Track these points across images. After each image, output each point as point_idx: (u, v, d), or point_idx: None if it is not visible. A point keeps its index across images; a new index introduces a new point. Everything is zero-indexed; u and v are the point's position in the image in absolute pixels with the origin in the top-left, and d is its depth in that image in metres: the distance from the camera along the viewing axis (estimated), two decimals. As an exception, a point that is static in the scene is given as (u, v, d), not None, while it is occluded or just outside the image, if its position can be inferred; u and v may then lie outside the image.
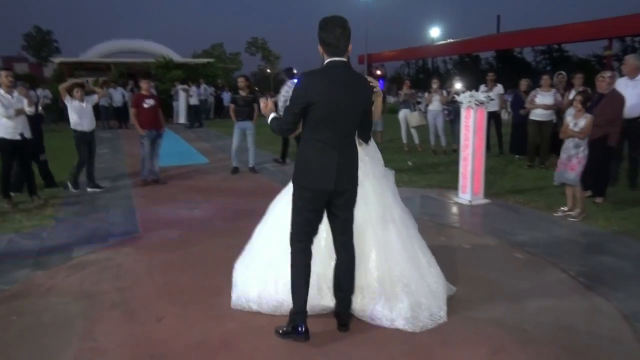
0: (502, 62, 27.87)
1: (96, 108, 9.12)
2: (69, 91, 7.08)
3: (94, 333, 3.13)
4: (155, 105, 7.60)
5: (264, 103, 3.08)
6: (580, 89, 6.98)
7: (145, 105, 7.48)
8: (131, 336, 3.09)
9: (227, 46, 34.55)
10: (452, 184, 6.79)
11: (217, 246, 4.76)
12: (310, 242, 2.94)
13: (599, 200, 5.93)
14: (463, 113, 6.24)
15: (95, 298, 3.66)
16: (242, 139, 8.72)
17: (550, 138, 8.49)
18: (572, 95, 8.05)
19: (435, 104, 10.18)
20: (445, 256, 3.96)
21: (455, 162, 6.90)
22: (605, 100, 5.76)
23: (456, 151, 10.22)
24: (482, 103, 6.06)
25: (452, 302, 3.42)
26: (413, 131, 10.68)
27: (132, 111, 7.66)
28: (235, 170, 8.71)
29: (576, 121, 5.32)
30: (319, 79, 2.70)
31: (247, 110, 8.58)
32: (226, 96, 22.19)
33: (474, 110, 6.06)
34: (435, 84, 10.25)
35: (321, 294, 3.11)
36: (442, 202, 6.44)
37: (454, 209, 6.13)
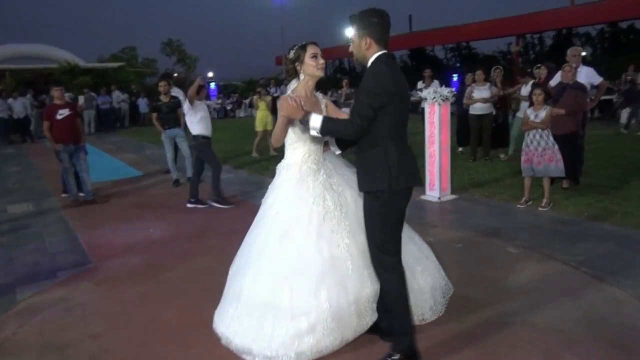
0: (416, 60, 28.94)
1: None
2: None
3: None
4: (71, 115, 6.66)
5: (291, 101, 2.51)
6: (533, 82, 7.24)
7: (59, 117, 6.53)
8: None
9: (140, 51, 32.57)
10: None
11: (193, 270, 4.22)
12: None
13: (565, 185, 6.14)
14: (427, 109, 6.17)
15: (67, 351, 3.01)
16: (175, 148, 8.01)
17: (491, 131, 8.79)
18: (524, 90, 8.37)
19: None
20: (443, 257, 3.77)
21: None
22: (570, 90, 5.94)
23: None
24: (447, 99, 6.02)
25: (473, 307, 3.30)
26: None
27: (44, 125, 6.63)
28: (177, 183, 8.00)
29: (537, 113, 5.44)
30: (397, 71, 2.51)
31: (173, 116, 7.85)
32: (142, 102, 20.78)
33: (439, 106, 6.00)
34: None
35: (361, 318, 2.75)
36: (411, 201, 6.30)
37: (426, 207, 6.03)
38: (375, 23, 2.52)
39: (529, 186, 5.68)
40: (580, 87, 6.16)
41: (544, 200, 5.55)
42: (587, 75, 6.67)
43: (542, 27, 20.51)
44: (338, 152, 3.15)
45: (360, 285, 2.74)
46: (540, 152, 5.42)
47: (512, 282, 3.70)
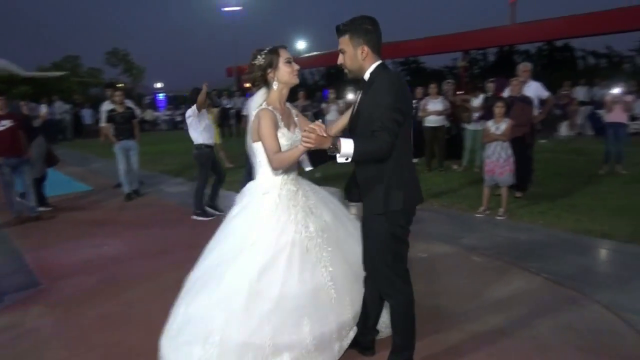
0: (366, 73, 29.48)
1: None
2: None
3: None
4: (12, 126, 6.21)
5: (320, 131, 2.11)
6: (489, 95, 7.53)
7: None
8: None
9: (84, 60, 31.11)
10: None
11: (156, 289, 4.00)
12: None
13: (519, 194, 6.37)
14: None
15: (22, 383, 2.76)
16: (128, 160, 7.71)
17: (444, 142, 9.06)
18: (476, 102, 8.68)
19: (332, 114, 10.20)
20: (409, 268, 3.82)
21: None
22: (517, 103, 6.20)
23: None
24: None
25: (446, 316, 3.34)
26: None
27: None
28: (130, 197, 7.66)
29: (497, 125, 5.64)
30: (404, 82, 2.41)
31: (128, 127, 7.60)
32: (87, 114, 19.91)
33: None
34: (332, 94, 10.30)
35: (342, 341, 2.66)
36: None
37: (388, 218, 6.08)
38: (371, 31, 2.38)
39: (488, 195, 5.87)
40: (526, 100, 6.46)
41: (501, 210, 5.74)
42: (535, 90, 7.01)
43: (485, 44, 21.50)
44: (308, 168, 3.08)
45: (342, 312, 2.66)
46: (501, 163, 5.61)
47: (479, 290, 3.77)
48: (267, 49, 2.61)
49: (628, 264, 4.16)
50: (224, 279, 2.49)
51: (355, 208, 3.81)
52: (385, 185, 2.38)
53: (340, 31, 2.43)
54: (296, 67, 2.63)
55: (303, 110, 10.50)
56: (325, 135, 2.14)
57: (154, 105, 26.23)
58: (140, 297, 3.92)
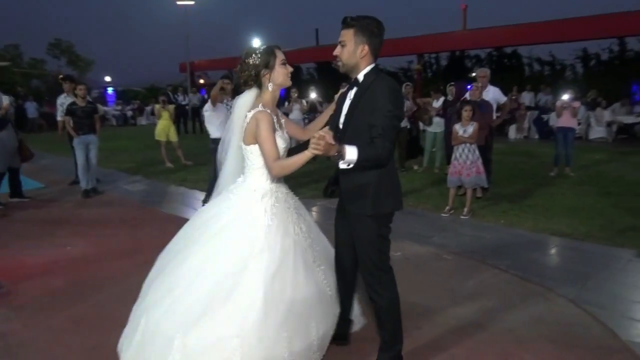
0: (322, 73, 29.66)
1: None
2: None
3: None
4: None
5: (329, 138, 2.11)
6: (450, 98, 7.79)
7: None
8: None
9: (25, 50, 29.27)
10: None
11: (129, 291, 3.71)
12: None
13: (479, 195, 6.64)
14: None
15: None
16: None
17: (406, 143, 9.29)
18: (436, 104, 8.96)
19: (295, 113, 10.23)
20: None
21: (325, 170, 6.97)
22: (477, 107, 6.45)
23: (315, 159, 10.47)
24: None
25: (425, 313, 3.45)
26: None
27: None
28: (87, 194, 7.37)
29: (465, 128, 5.86)
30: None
31: (88, 122, 7.35)
32: (30, 107, 18.88)
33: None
34: (294, 94, 10.31)
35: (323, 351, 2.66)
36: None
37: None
38: (376, 34, 2.42)
39: (453, 196, 6.09)
40: (486, 104, 6.77)
41: (466, 209, 5.97)
42: (494, 94, 7.34)
43: (438, 48, 22.17)
44: None
45: (335, 308, 2.73)
46: (468, 165, 5.83)
47: (454, 287, 3.92)
48: (263, 47, 2.54)
49: (587, 261, 4.44)
50: (235, 294, 2.32)
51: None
52: (376, 188, 2.44)
53: (347, 24, 2.45)
54: (290, 69, 2.59)
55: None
56: (333, 143, 2.16)
57: (102, 99, 25.23)
58: (111, 298, 3.78)
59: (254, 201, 2.52)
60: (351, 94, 2.53)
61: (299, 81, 30.10)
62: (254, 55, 2.52)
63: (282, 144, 2.54)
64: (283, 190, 2.66)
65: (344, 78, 2.71)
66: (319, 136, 2.13)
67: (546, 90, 17.64)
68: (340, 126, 2.58)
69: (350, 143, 2.27)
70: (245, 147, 2.57)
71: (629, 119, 15.03)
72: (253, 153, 2.55)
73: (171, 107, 10.82)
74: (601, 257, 4.52)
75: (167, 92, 16.97)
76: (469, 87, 7.98)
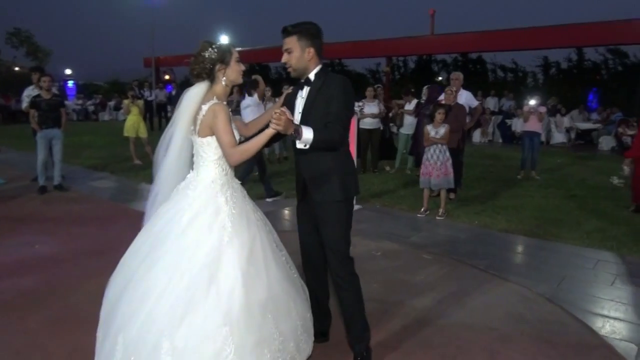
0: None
1: None
2: None
3: None
4: None
5: (286, 112, 2.27)
6: (423, 100, 7.91)
7: None
8: None
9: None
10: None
11: (104, 290, 3.74)
12: None
13: (452, 196, 6.78)
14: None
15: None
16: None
17: (379, 144, 9.38)
18: (408, 107, 9.08)
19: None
20: (366, 266, 4.02)
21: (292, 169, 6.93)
22: (453, 110, 6.60)
23: (287, 158, 10.43)
24: (355, 113, 6.27)
25: (411, 312, 3.49)
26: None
27: None
28: (44, 190, 7.08)
29: (437, 130, 5.97)
30: None
31: (53, 115, 7.08)
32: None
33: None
34: (268, 92, 10.22)
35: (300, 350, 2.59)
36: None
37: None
38: (316, 35, 2.60)
39: (427, 197, 6.20)
40: (460, 107, 6.93)
41: (440, 210, 6.08)
42: (466, 98, 7.51)
43: (406, 51, 22.51)
44: None
45: (304, 292, 2.76)
46: (438, 166, 5.94)
47: (436, 286, 3.98)
48: (218, 43, 2.51)
49: (559, 261, 4.60)
50: (214, 284, 2.27)
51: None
52: (342, 174, 2.63)
53: (288, 32, 2.59)
54: (243, 67, 2.60)
55: (237, 106, 10.34)
56: (292, 119, 2.34)
57: (62, 93, 24.27)
58: (88, 298, 3.60)
59: (214, 192, 2.48)
60: (303, 93, 2.68)
61: (268, 80, 30.04)
62: (210, 49, 2.48)
63: (237, 135, 2.55)
64: (236, 181, 2.64)
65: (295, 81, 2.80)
66: (280, 112, 2.25)
67: (509, 96, 18.25)
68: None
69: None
70: (199, 139, 2.50)
71: (586, 126, 15.74)
72: (210, 145, 2.50)
73: (140, 102, 10.53)
74: (572, 257, 4.70)
75: (134, 87, 16.54)
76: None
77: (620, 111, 15.75)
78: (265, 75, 31.63)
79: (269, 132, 2.36)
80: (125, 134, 9.91)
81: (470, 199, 6.98)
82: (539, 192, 7.62)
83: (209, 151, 2.50)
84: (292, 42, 2.57)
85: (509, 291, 3.91)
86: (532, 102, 8.88)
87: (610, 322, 3.42)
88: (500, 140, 16.35)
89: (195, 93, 2.51)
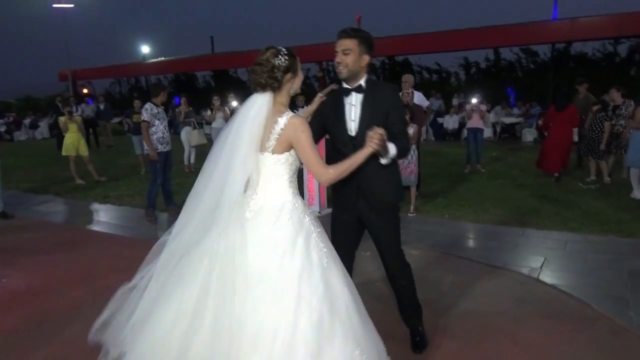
0: (219, 81, 29.08)
1: None
2: None
3: None
4: None
5: (382, 132, 2.30)
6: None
7: None
8: None
9: None
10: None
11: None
12: None
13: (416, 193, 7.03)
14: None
15: None
16: None
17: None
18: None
19: (219, 122, 9.96)
20: (359, 266, 4.07)
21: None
22: (413, 110, 6.87)
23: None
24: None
25: (424, 305, 3.56)
26: (192, 150, 10.17)
27: None
28: (4, 216, 6.50)
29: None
30: None
31: None
32: None
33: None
34: (217, 102, 10.04)
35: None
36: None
37: (310, 222, 6.21)
38: (372, 48, 2.68)
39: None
40: (418, 108, 7.24)
41: (412, 207, 6.30)
42: (418, 99, 7.84)
43: (334, 56, 22.96)
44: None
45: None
46: (405, 165, 6.16)
47: (435, 279, 4.13)
48: (285, 49, 2.28)
49: (535, 245, 4.96)
50: (336, 317, 2.07)
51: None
52: (397, 181, 2.88)
53: (348, 34, 2.64)
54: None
55: (186, 117, 10.04)
56: (385, 138, 2.34)
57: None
58: (84, 331, 3.38)
59: (299, 215, 2.24)
60: (352, 100, 2.68)
61: (194, 89, 29.30)
62: (280, 56, 2.24)
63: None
64: (300, 197, 2.39)
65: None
66: (378, 133, 2.27)
67: (437, 96, 19.23)
68: (353, 132, 2.67)
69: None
70: (273, 156, 2.24)
71: (510, 120, 16.95)
72: (285, 162, 2.26)
73: (78, 118, 9.90)
74: (544, 241, 5.08)
75: (57, 103, 15.42)
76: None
77: (539, 105, 17.13)
78: (191, 84, 30.94)
79: (365, 152, 2.28)
80: (65, 153, 9.26)
81: (431, 194, 7.28)
82: (490, 183, 8.12)
83: (283, 169, 2.24)
84: (352, 44, 2.61)
85: (503, 277, 4.15)
86: (474, 100, 9.46)
87: (604, 299, 3.74)
88: (433, 138, 17.17)
89: (263, 104, 2.23)
